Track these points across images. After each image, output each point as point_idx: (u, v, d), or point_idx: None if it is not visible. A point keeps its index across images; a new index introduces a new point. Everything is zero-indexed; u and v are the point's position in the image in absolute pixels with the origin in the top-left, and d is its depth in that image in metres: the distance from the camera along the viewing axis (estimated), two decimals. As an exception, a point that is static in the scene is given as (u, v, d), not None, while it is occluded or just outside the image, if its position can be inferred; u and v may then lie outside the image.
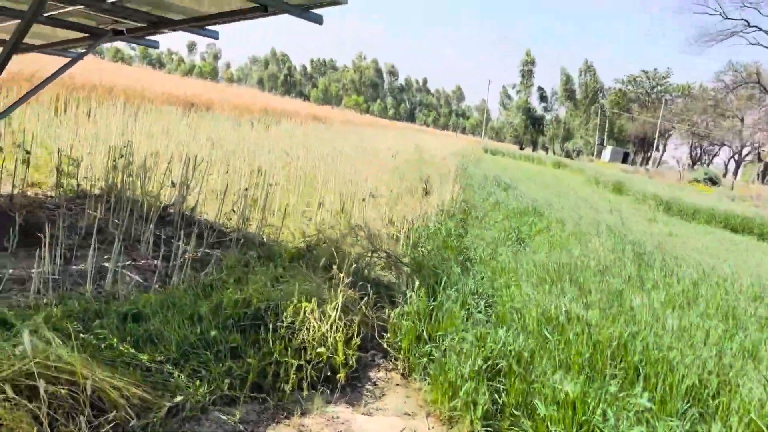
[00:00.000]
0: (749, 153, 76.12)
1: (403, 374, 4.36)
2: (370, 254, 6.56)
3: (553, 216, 12.60)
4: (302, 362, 3.90)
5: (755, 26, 44.74)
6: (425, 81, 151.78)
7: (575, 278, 6.24)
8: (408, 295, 4.80)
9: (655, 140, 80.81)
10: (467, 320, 4.60)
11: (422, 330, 4.36)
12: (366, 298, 4.72)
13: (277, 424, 3.49)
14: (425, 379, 4.14)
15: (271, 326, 4.06)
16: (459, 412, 3.62)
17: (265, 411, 3.59)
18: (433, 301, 4.85)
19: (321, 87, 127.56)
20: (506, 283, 6.15)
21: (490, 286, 6.04)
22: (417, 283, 4.97)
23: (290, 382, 3.78)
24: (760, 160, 49.82)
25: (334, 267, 4.86)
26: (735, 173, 74.44)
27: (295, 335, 4.07)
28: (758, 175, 51.93)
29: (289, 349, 3.96)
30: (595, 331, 4.34)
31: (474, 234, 9.51)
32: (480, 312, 4.89)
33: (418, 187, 13.06)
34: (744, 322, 5.45)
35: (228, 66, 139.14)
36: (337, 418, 3.69)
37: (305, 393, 3.84)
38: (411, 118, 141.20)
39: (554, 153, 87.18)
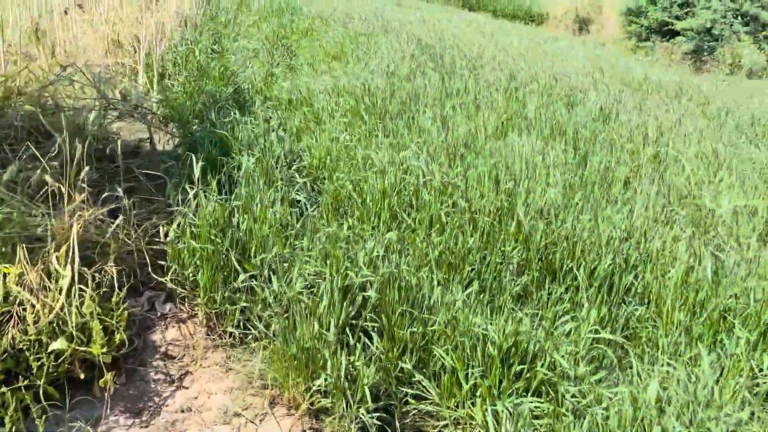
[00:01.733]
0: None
1: (210, 327, 2.70)
2: (101, 109, 4.27)
3: (312, 11, 10.71)
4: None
5: None
6: None
7: (394, 111, 4.81)
8: (187, 190, 2.92)
9: None
10: (293, 224, 2.99)
11: (227, 252, 2.66)
12: (122, 214, 2.77)
13: None
14: (247, 334, 2.58)
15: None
16: (330, 400, 2.21)
17: None
18: (229, 194, 3.09)
19: None
20: (309, 129, 4.52)
21: (291, 137, 4.36)
22: (193, 160, 3.08)
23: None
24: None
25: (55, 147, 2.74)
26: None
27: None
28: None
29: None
30: (479, 203, 3.09)
31: (233, 48, 7.37)
32: (305, 197, 3.29)
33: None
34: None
35: None
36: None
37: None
38: None
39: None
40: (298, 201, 3.33)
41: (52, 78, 4.48)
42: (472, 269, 2.76)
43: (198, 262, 2.61)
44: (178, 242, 2.69)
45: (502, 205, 3.11)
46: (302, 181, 3.46)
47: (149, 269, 2.70)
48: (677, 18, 14.61)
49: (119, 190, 2.73)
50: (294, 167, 3.70)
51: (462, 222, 2.95)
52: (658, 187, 3.67)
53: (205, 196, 2.82)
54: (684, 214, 3.30)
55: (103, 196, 2.78)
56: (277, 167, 3.46)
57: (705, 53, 13.63)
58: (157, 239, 2.79)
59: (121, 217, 2.63)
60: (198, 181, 2.94)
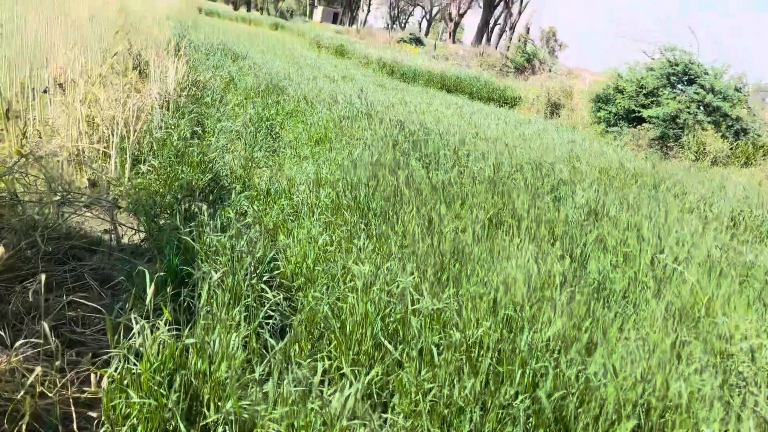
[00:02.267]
0: (437, 12, 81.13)
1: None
2: (58, 203, 3.71)
3: (298, 92, 10.42)
4: None
5: None
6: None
7: (378, 208, 4.31)
8: (132, 321, 2.32)
9: (360, 1, 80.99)
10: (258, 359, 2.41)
11: (173, 408, 2.05)
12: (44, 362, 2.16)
13: None
14: None
15: None
16: None
17: None
18: (188, 317, 2.51)
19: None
20: (286, 226, 4.00)
21: (266, 235, 3.82)
22: (146, 277, 2.49)
23: None
24: (451, 20, 52.86)
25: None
26: (426, 32, 79.06)
27: None
28: (450, 34, 55.38)
29: None
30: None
31: (216, 129, 6.93)
32: (277, 315, 2.73)
33: (129, 65, 9.56)
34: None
35: None
36: None
37: None
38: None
39: (269, 14, 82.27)
40: (268, 321, 2.76)
41: (9, 164, 3.93)
42: (471, 421, 2.19)
43: (136, 420, 2.00)
44: (115, 391, 2.08)
45: (502, 335, 2.58)
46: (274, 296, 2.89)
47: (74, 426, 2.07)
48: (643, 106, 14.68)
49: (45, 327, 2.12)
50: (266, 276, 3.14)
51: (458, 360, 2.40)
52: (664, 306, 3.17)
53: (152, 330, 2.23)
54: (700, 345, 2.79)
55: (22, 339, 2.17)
56: (245, 280, 2.90)
57: (671, 140, 13.60)
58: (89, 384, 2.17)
59: (39, 369, 2.02)
60: (150, 304, 2.36)
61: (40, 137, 5.51)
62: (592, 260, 3.78)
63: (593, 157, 10.38)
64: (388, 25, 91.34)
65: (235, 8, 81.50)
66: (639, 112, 14.65)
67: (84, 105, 5.46)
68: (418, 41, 39.00)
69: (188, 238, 3.19)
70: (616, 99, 15.25)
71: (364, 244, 3.54)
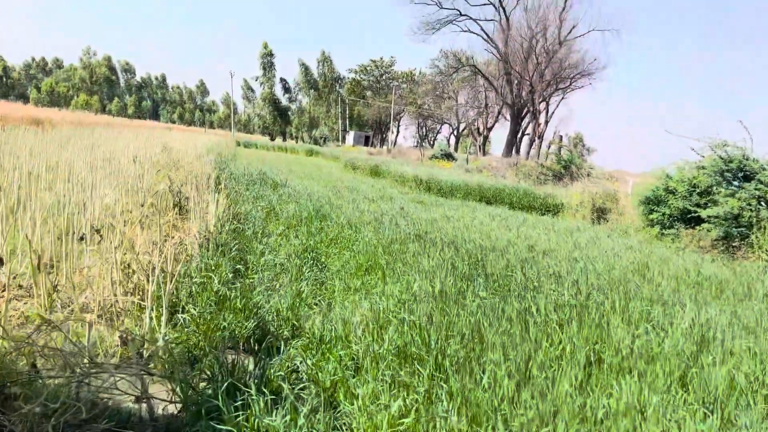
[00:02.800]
0: (465, 128, 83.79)
1: None
2: (84, 376, 3.12)
3: (341, 217, 10.07)
4: None
5: (466, 15, 47.57)
6: (164, 77, 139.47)
7: (454, 355, 3.59)
8: None
9: (390, 123, 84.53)
10: None
11: None
12: None
13: None
14: None
15: None
16: None
17: None
18: None
19: (45, 88, 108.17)
20: (345, 384, 3.29)
21: (324, 395, 3.12)
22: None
23: None
24: (479, 134, 54.21)
25: None
26: (455, 147, 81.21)
27: None
28: (479, 147, 56.57)
29: None
30: None
31: (259, 265, 6.44)
32: None
33: (169, 202, 9.44)
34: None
35: None
36: None
37: None
38: (155, 115, 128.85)
39: (303, 141, 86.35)
40: None
41: (30, 332, 3.40)
42: None
43: None
44: None
45: None
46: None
47: None
48: (698, 206, 13.90)
49: None
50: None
51: None
52: None
53: None
54: None
55: None
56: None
57: (736, 239, 12.64)
58: None
59: None
60: None
61: (74, 289, 5.07)
62: (742, 416, 2.92)
63: (660, 263, 9.52)
64: (417, 143, 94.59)
65: (272, 139, 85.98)
66: (695, 212, 13.84)
67: (119, 250, 5.06)
68: (449, 156, 39.65)
69: (229, 427, 2.51)
70: (668, 200, 14.53)
71: (448, 413, 2.79)
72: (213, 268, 5.53)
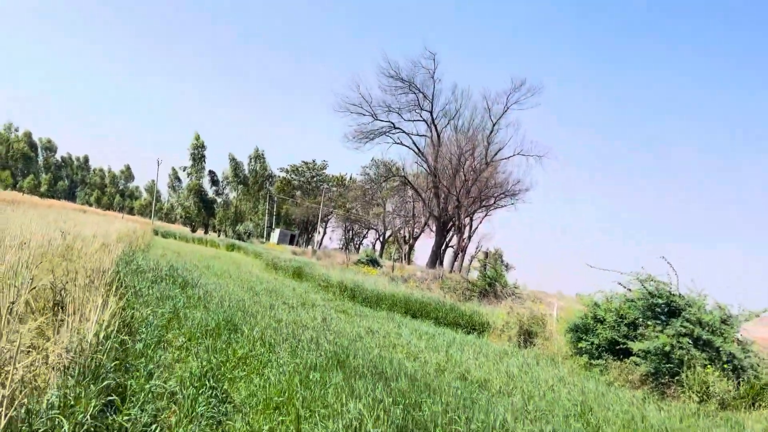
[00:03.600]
0: (390, 235, 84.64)
1: None
2: None
3: (254, 331, 8.81)
4: None
5: (399, 128, 49.25)
6: (86, 158, 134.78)
7: None
8: None
9: (317, 223, 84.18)
10: None
11: None
12: None
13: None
14: None
15: None
16: None
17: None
18: None
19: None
20: None
21: None
22: None
23: None
24: (405, 242, 54.49)
25: None
26: (380, 253, 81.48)
27: None
28: (404, 255, 56.63)
29: None
30: None
31: (143, 394, 5.10)
32: None
33: (49, 300, 7.91)
34: None
35: None
36: None
37: None
38: (71, 196, 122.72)
39: (227, 235, 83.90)
40: None
41: None
42: None
43: None
44: None
45: None
46: None
47: None
48: (626, 337, 13.60)
49: None
50: None
51: None
52: None
53: None
54: None
55: None
56: None
57: (665, 376, 12.25)
58: None
59: None
60: None
61: None
62: None
63: (600, 403, 8.79)
64: (343, 246, 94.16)
65: (193, 230, 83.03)
66: (624, 343, 13.50)
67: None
68: (374, 262, 39.07)
69: None
70: (596, 329, 14.19)
71: None
72: (72, 400, 4.19)
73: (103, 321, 6.68)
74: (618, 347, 13.70)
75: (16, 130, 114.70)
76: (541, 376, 11.37)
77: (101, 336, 6.07)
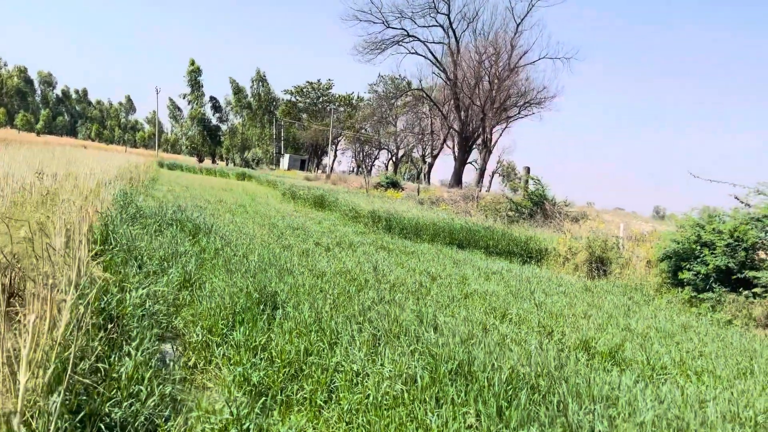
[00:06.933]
0: (403, 154, 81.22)
1: None
2: None
3: (301, 307, 6.16)
4: None
5: (413, 36, 44.87)
6: (85, 92, 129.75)
7: None
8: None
9: (327, 147, 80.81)
10: None
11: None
12: None
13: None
14: None
15: None
16: None
17: None
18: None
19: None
20: None
21: None
22: None
23: None
24: (424, 162, 51.37)
25: None
26: (395, 174, 78.62)
27: None
28: (425, 176, 53.65)
29: None
30: None
31: None
32: None
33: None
34: None
35: None
36: None
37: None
38: (72, 132, 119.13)
39: (235, 163, 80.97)
40: None
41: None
42: None
43: None
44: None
45: None
46: None
47: None
48: (744, 265, 10.92)
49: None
50: None
51: None
52: None
53: None
54: None
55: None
56: None
57: (804, 312, 9.67)
58: None
59: None
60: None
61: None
62: None
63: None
64: (353, 169, 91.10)
65: (200, 160, 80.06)
66: (742, 273, 10.85)
67: None
68: (396, 185, 36.26)
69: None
70: (703, 255, 11.50)
71: None
72: None
73: (73, 320, 3.97)
74: (734, 277, 11.08)
75: (5, 64, 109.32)
76: (673, 330, 8.65)
77: (67, 347, 3.38)
